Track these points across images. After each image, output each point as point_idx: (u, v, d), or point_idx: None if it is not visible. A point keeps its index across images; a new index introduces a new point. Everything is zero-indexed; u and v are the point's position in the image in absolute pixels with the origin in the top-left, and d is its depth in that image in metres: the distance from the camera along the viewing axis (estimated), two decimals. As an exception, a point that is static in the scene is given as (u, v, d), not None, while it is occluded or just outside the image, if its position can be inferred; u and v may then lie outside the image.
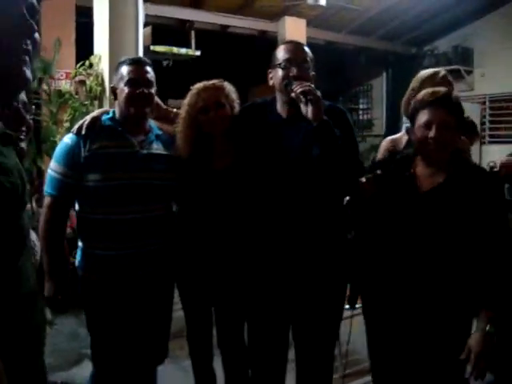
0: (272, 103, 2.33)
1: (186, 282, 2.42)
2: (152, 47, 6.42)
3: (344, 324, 2.44)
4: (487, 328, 1.92)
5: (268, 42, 7.33)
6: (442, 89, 2.21)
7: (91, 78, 4.55)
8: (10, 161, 1.03)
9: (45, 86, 5.18)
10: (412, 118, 2.10)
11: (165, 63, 6.88)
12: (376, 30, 8.58)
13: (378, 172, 2.12)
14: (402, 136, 2.89)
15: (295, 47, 2.27)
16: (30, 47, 1.02)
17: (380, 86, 10.13)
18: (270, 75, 2.29)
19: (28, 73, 1.03)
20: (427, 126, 2.01)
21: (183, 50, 6.75)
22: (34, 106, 4.30)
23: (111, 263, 2.24)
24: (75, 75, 4.78)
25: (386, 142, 3.01)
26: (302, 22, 7.51)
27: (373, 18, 7.95)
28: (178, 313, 2.52)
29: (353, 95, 10.70)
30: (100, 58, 4.39)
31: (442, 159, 2.06)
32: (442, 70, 2.93)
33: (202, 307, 2.43)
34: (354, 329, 2.49)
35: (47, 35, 5.84)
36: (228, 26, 7.28)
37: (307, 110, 2.08)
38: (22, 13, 1.00)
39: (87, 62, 4.71)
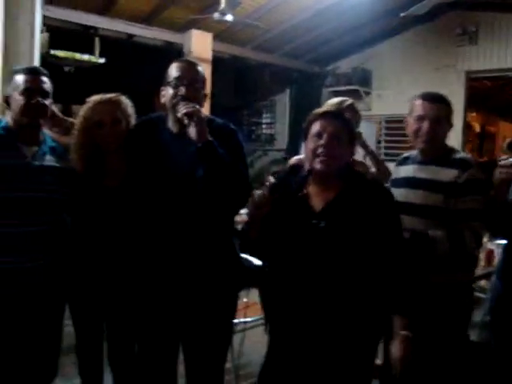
0: (165, 119, 2.35)
1: (77, 297, 2.39)
2: (52, 51, 6.22)
3: (237, 336, 2.47)
4: (404, 333, 1.95)
5: (174, 53, 7.34)
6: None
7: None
8: None
9: None
10: (306, 134, 2.08)
11: (66, 69, 6.72)
12: (280, 47, 8.80)
13: (272, 180, 2.07)
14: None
15: (186, 66, 2.30)
16: None
17: (283, 101, 10.37)
18: (163, 92, 2.31)
19: None
20: (318, 135, 2.00)
21: (86, 57, 6.60)
22: None
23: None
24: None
25: (292, 161, 3.05)
26: (208, 36, 7.57)
27: (277, 35, 8.16)
28: (69, 328, 2.48)
29: (257, 109, 10.89)
30: (-7, 66, 4.18)
31: (331, 173, 2.02)
32: (348, 100, 3.10)
33: (93, 321, 2.41)
34: (247, 341, 2.53)
35: None
36: (134, 35, 7.21)
37: (191, 131, 2.12)
38: None
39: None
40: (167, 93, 2.27)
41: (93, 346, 2.44)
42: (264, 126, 10.90)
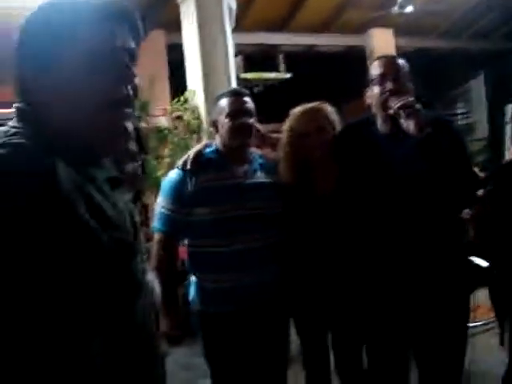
0: (372, 121, 2.25)
1: (301, 308, 2.37)
2: (243, 75, 6.51)
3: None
4: None
5: (356, 56, 7.23)
6: None
7: (188, 113, 4.66)
8: (120, 206, 1.01)
9: (143, 124, 5.39)
10: None
11: (255, 90, 6.96)
12: (467, 29, 8.24)
13: (489, 188, 1.95)
14: None
15: (388, 61, 2.20)
16: (131, 93, 0.99)
17: (478, 87, 9.67)
18: (368, 94, 2.23)
19: (130, 126, 1.01)
20: None
21: (273, 75, 6.81)
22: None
23: (228, 295, 2.23)
24: (172, 111, 4.92)
25: None
26: (389, 32, 7.35)
27: (461, 17, 7.64)
28: (292, 338, 2.47)
29: (449, 100, 10.29)
30: (195, 93, 4.51)
31: None
32: None
33: (318, 332, 2.37)
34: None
35: (141, 75, 6.11)
36: (315, 46, 7.26)
37: (408, 125, 1.99)
38: (122, 62, 0.98)
39: (182, 98, 4.84)
40: (373, 92, 2.17)
41: (319, 357, 2.39)
42: (459, 117, 10.24)
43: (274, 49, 6.99)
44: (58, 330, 0.80)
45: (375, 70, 2.18)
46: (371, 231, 2.18)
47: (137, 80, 1.01)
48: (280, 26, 6.85)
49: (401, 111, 2.00)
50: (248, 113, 2.28)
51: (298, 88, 7.18)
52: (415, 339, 2.21)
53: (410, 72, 2.20)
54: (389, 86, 2.10)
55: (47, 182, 0.82)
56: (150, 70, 6.01)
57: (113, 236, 0.91)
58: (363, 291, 2.22)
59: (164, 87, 5.94)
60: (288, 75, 6.88)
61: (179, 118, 4.50)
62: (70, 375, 0.82)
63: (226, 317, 2.23)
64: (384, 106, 2.10)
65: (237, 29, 6.43)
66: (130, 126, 1.01)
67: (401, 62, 2.21)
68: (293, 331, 2.44)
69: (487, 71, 9.35)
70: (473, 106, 9.93)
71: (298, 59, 7.27)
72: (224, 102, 2.29)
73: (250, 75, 6.57)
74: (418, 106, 2.01)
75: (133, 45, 1.02)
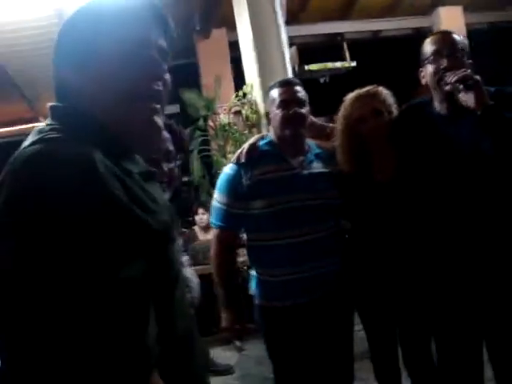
0: (429, 103, 2.16)
1: (366, 302, 2.31)
2: (307, 67, 6.47)
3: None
4: None
5: (424, 39, 7.00)
6: None
7: (246, 107, 4.68)
8: (156, 196, 1.03)
9: (210, 122, 5.46)
10: None
11: (322, 80, 6.89)
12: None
13: None
14: None
15: (442, 37, 2.10)
16: (161, 88, 1.02)
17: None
18: (422, 74, 2.13)
19: (159, 121, 1.03)
20: None
21: (338, 64, 6.72)
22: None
23: (289, 288, 2.21)
24: (231, 107, 4.96)
25: None
26: (458, 10, 7.05)
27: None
28: (360, 334, 2.41)
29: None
30: (252, 87, 4.53)
31: None
32: None
33: (385, 326, 2.30)
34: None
35: (207, 74, 6.22)
36: (380, 31, 7.09)
37: (467, 99, 1.89)
38: (154, 57, 1.01)
39: (241, 93, 4.87)
40: (427, 71, 2.08)
41: (387, 351, 2.33)
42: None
43: (337, 38, 6.89)
44: (121, 304, 0.81)
45: (428, 47, 2.08)
46: (434, 219, 2.09)
47: (167, 76, 1.05)
48: (342, 14, 6.74)
49: (459, 85, 1.90)
50: (300, 102, 2.24)
51: (364, 76, 7.04)
52: (487, 330, 2.09)
53: (481, 49, 2.08)
54: (444, 63, 2.00)
55: (88, 169, 0.84)
56: (214, 69, 6.11)
57: (156, 218, 0.94)
58: (429, 281, 2.13)
59: (229, 84, 6.00)
60: (353, 64, 6.75)
61: (238, 112, 4.53)
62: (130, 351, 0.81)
63: (287, 311, 2.21)
64: (440, 84, 2.00)
65: (298, 20, 6.41)
66: (159, 121, 1.02)
67: (457, 37, 2.10)
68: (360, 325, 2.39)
69: None
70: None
71: (363, 47, 7.14)
72: (275, 93, 2.26)
73: (314, 66, 6.51)
74: (477, 77, 1.91)
75: (164, 44, 1.06)
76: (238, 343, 2.52)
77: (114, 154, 0.93)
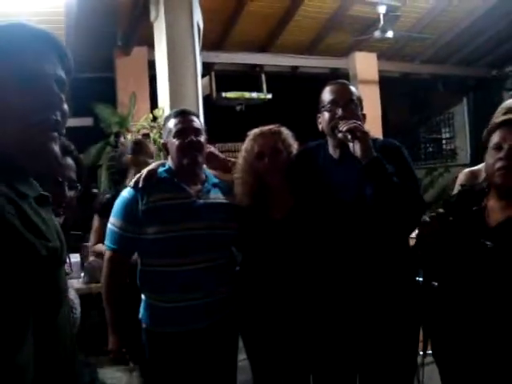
0: (325, 146, 2.28)
1: (252, 332, 2.35)
2: (224, 94, 6.57)
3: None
4: None
5: (340, 79, 7.30)
6: None
7: (154, 131, 4.61)
8: (48, 222, 1.04)
9: (122, 139, 5.38)
10: (485, 145, 1.90)
11: (238, 108, 7.00)
12: (451, 55, 8.33)
13: (441, 211, 1.96)
14: (482, 167, 2.70)
15: (339, 88, 2.23)
16: (59, 118, 1.05)
17: (462, 113, 9.76)
18: (319, 119, 2.25)
19: (56, 149, 1.05)
20: (497, 148, 1.80)
21: (254, 94, 6.86)
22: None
23: (176, 315, 2.21)
24: (139, 129, 4.89)
25: (463, 175, 2.75)
26: (373, 56, 7.43)
27: (446, 44, 7.73)
28: (243, 363, 2.45)
29: (434, 125, 10.37)
30: (163, 111, 4.50)
31: None
32: None
33: (269, 357, 2.35)
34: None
35: (123, 90, 6.15)
36: (298, 67, 7.31)
37: (355, 148, 2.01)
38: (51, 88, 1.03)
39: (150, 115, 4.83)
40: (324, 118, 2.20)
41: (270, 381, 2.37)
42: (444, 142, 10.31)
43: (256, 69, 7.04)
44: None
45: (326, 96, 2.20)
46: (321, 258, 2.18)
47: (65, 106, 1.07)
48: (263, 46, 6.91)
49: (348, 134, 2.02)
50: (196, 130, 2.28)
51: (279, 109, 7.25)
52: (363, 367, 2.19)
53: (391, 95, 2.22)
54: (339, 112, 2.13)
55: None
56: (132, 86, 6.06)
57: (45, 244, 0.96)
58: (313, 317, 2.20)
59: (144, 103, 5.96)
60: (269, 96, 6.93)
61: (146, 135, 4.46)
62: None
63: (172, 337, 2.21)
64: (333, 132, 2.12)
65: (219, 47, 6.51)
66: (57, 149, 1.05)
67: (352, 88, 2.24)
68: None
69: (469, 97, 9.45)
70: (456, 132, 10.01)
71: (280, 80, 7.33)
72: (171, 123, 2.30)
73: (231, 94, 6.62)
74: (366, 129, 2.04)
75: (62, 74, 1.08)
76: (131, 364, 2.47)
77: (8, 178, 0.95)
